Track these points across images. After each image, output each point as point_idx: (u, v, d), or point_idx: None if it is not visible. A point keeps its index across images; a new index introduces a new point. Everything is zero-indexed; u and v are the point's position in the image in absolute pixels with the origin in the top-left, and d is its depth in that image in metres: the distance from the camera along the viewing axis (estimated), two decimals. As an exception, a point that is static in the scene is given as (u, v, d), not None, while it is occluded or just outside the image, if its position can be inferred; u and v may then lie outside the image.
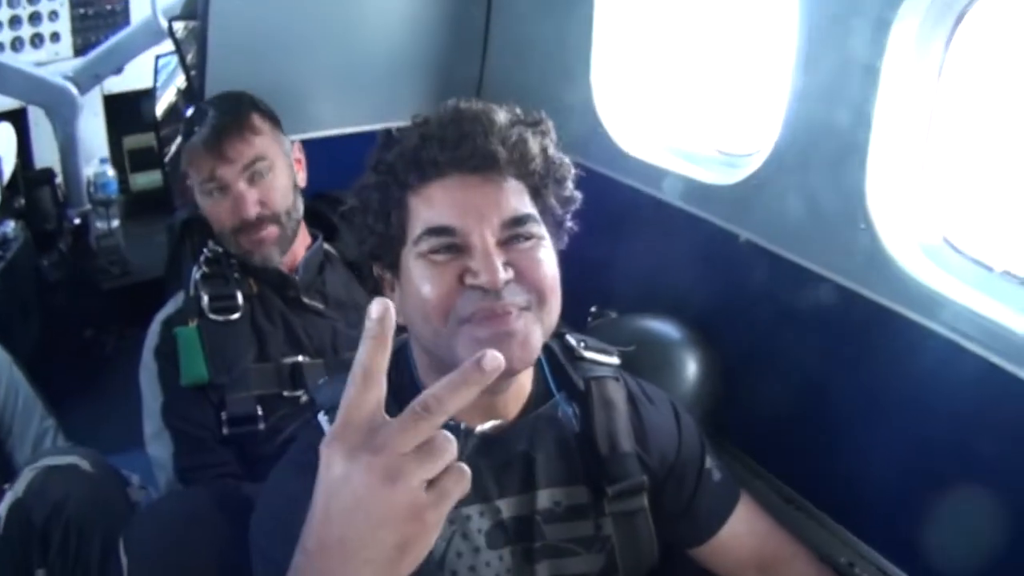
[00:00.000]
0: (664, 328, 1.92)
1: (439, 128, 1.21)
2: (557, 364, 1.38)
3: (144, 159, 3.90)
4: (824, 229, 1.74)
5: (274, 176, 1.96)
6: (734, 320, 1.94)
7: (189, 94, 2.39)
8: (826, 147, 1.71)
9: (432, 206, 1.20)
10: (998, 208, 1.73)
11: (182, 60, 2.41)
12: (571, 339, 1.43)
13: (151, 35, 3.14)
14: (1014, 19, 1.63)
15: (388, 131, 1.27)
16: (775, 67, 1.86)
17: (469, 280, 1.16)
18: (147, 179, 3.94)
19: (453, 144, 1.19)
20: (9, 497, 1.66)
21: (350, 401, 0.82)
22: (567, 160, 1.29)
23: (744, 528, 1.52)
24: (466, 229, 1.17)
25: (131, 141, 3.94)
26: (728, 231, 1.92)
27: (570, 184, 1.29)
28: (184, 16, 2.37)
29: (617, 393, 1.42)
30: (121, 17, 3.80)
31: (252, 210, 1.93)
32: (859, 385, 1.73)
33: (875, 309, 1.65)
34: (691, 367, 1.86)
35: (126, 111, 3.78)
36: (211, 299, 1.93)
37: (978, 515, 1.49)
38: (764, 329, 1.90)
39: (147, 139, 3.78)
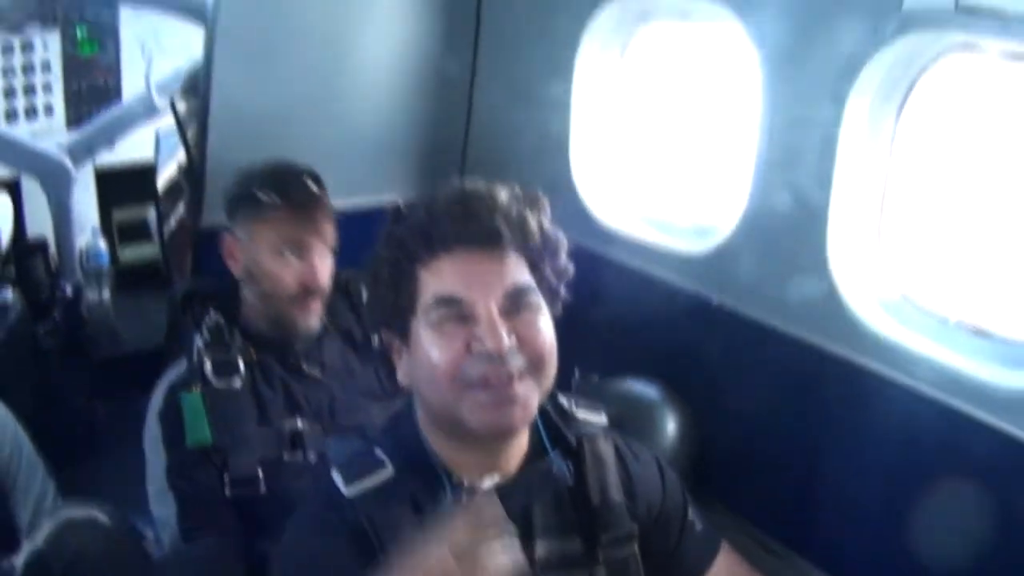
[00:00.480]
0: (644, 390, 2.04)
1: (447, 206, 1.30)
2: (551, 423, 1.46)
3: (133, 232, 3.96)
4: (791, 291, 1.88)
5: (331, 256, 2.08)
6: (709, 380, 2.07)
7: (189, 170, 2.50)
8: (790, 214, 1.86)
9: (441, 278, 1.29)
10: (951, 262, 1.87)
11: (183, 136, 2.51)
12: (563, 399, 1.52)
13: (144, 111, 3.28)
14: (954, 92, 1.80)
15: (398, 207, 1.37)
16: (741, 141, 2.01)
17: (475, 347, 1.25)
18: (135, 252, 3.98)
19: (460, 221, 1.29)
20: (28, 548, 1.72)
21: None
22: (561, 235, 1.40)
23: (725, 574, 1.60)
24: (472, 300, 1.26)
25: (120, 214, 3.99)
26: (702, 296, 2.06)
27: (564, 257, 1.39)
28: (185, 93, 2.48)
29: (606, 449, 1.50)
30: (113, 92, 3.90)
31: (324, 281, 2.04)
32: (828, 435, 1.85)
33: (840, 363, 1.79)
34: (670, 426, 1.98)
35: (116, 184, 3.86)
36: (214, 365, 2.00)
37: (947, 551, 1.60)
38: (738, 388, 2.02)
39: (136, 212, 3.89)
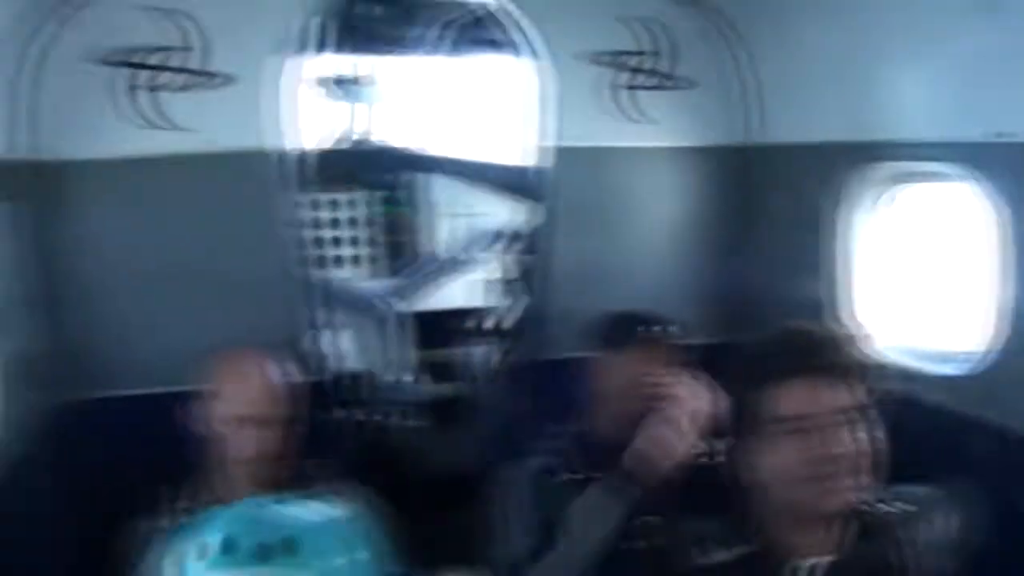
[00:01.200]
0: (922, 492, 2.35)
1: (788, 343, 1.71)
2: (863, 514, 1.75)
3: (436, 371, 4.44)
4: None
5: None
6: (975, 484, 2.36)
7: (531, 313, 3.08)
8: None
9: (790, 399, 1.64)
10: None
11: (518, 286, 3.10)
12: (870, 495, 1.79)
13: (452, 266, 3.98)
14: None
15: (745, 344, 1.79)
16: (990, 281, 2.38)
17: (817, 453, 1.61)
18: (435, 388, 4.42)
19: (800, 354, 1.67)
20: None
21: None
22: (873, 364, 1.74)
23: None
24: (812, 416, 1.62)
25: (426, 354, 4.45)
26: (962, 413, 2.41)
27: (874, 381, 1.71)
28: (516, 250, 3.07)
29: (907, 538, 1.80)
30: (415, 247, 4.50)
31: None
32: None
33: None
34: (948, 522, 2.29)
35: (425, 327, 4.38)
36: (569, 465, 2.42)
37: None
38: (1000, 490, 2.24)
39: (441, 354, 4.42)
